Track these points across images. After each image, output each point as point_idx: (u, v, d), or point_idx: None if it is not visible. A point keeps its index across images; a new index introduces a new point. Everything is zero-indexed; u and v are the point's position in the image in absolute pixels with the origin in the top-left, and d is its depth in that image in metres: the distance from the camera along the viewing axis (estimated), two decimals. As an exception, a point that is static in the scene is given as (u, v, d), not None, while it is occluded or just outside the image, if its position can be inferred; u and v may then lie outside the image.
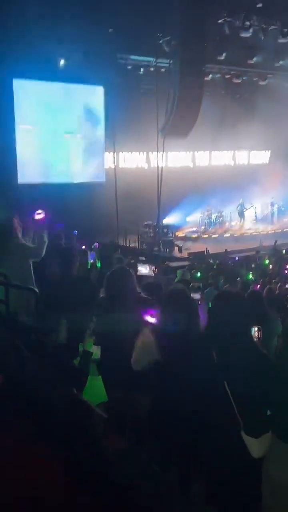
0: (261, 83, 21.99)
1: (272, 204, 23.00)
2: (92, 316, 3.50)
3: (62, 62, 16.36)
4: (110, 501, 1.30)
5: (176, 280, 5.52)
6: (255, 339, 2.96)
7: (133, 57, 18.62)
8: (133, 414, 2.91)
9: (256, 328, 3.00)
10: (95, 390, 3.45)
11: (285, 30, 18.32)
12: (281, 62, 20.75)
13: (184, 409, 2.48)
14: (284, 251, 16.61)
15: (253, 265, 14.48)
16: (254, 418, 2.43)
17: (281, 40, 18.52)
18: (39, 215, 5.34)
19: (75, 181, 18.39)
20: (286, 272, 13.33)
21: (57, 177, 18.16)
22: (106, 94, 18.30)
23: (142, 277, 4.32)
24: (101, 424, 2.03)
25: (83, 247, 7.16)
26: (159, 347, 2.89)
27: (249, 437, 2.39)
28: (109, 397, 3.38)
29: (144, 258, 13.77)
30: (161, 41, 17.14)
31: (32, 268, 4.90)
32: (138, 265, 4.65)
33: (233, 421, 2.42)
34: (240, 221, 22.31)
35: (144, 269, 4.45)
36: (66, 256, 4.73)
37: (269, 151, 24.68)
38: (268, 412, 2.48)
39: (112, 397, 3.23)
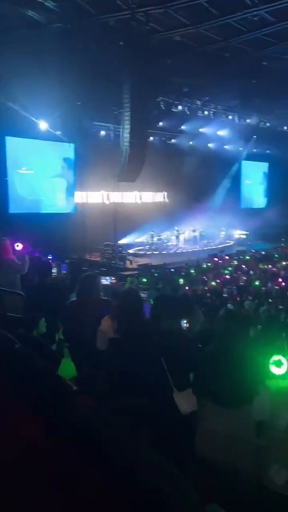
0: (188, 143, 22.57)
1: (194, 231, 23.43)
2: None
3: (45, 125, 16.16)
4: (78, 443, 1.27)
5: (126, 285, 5.51)
6: (185, 328, 2.97)
7: (96, 123, 18.69)
8: (96, 382, 2.84)
9: (185, 320, 3.00)
10: (68, 368, 3.37)
11: (204, 107, 19.00)
12: (201, 130, 21.45)
13: (133, 376, 2.45)
14: (204, 264, 16.95)
15: (182, 273, 14.69)
16: (180, 379, 2.43)
17: (200, 114, 19.21)
18: (18, 247, 5.26)
19: (56, 212, 18.12)
20: (205, 278, 13.60)
21: (44, 209, 17.88)
22: (76, 149, 18.23)
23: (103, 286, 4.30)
24: (72, 392, 1.98)
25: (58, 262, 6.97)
26: (117, 330, 2.84)
27: (178, 398, 2.40)
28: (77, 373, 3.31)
29: (105, 269, 13.68)
30: (116, 113, 17.33)
31: (19, 279, 4.78)
32: (101, 277, 4.61)
33: (168, 386, 2.42)
34: (175, 242, 22.59)
35: (105, 281, 4.40)
36: (43, 269, 4.63)
37: (192, 192, 24.98)
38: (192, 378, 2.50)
39: (79, 372, 3.17)
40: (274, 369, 2.35)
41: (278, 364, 2.34)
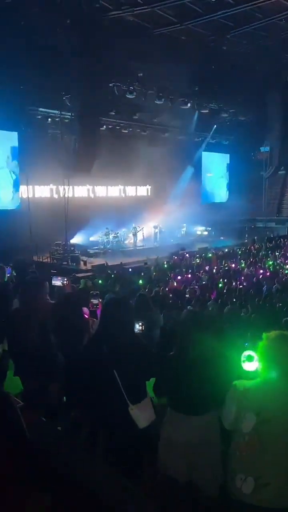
0: (143, 133, 22.65)
1: (156, 227, 23.54)
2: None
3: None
4: (29, 459, 1.25)
5: (79, 287, 5.43)
6: (139, 331, 2.94)
7: (41, 109, 18.28)
8: (44, 397, 2.76)
9: (140, 323, 2.98)
10: (13, 382, 3.26)
11: (160, 94, 19.15)
12: (156, 119, 21.65)
13: (84, 392, 2.41)
14: (164, 262, 17.07)
15: (142, 273, 14.70)
16: (134, 391, 2.42)
17: (157, 102, 19.38)
18: None
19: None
20: (166, 278, 13.71)
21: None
22: (20, 138, 17.74)
23: (55, 287, 4.16)
24: (18, 407, 1.94)
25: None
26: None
27: (133, 412, 2.38)
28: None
29: (55, 271, 13.41)
30: (64, 98, 17.06)
31: None
32: (52, 278, 4.49)
33: (122, 399, 2.39)
34: (133, 240, 22.56)
35: (57, 282, 4.29)
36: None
37: (150, 186, 25.21)
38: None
39: (25, 386, 3.07)
40: (247, 366, 2.41)
41: (250, 359, 2.40)
